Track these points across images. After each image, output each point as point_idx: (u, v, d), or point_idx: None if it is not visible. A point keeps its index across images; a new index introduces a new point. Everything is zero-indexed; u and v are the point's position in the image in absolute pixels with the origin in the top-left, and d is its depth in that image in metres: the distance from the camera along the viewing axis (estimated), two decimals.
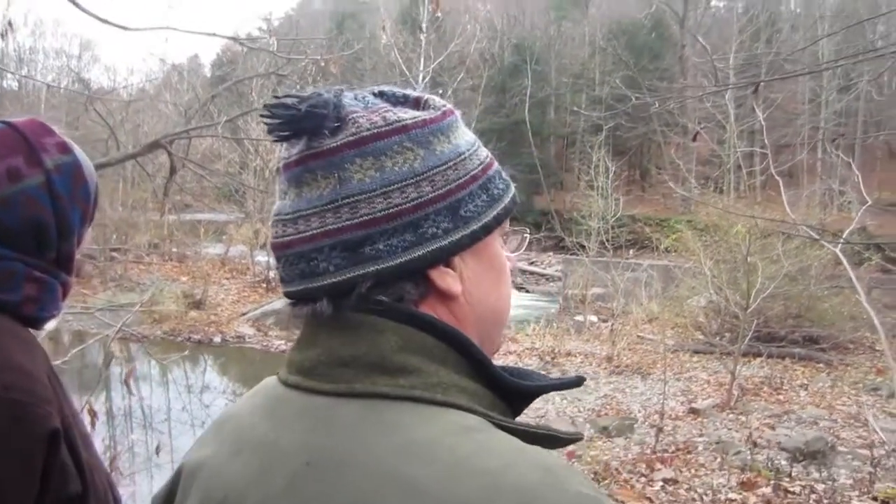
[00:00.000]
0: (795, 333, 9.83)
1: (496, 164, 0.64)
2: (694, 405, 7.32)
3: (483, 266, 0.61)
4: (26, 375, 0.86)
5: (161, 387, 9.51)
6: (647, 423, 6.79)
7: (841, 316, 9.88)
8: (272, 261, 14.23)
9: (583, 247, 15.20)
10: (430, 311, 0.58)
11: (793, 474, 5.00)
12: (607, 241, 15.17)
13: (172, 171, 4.88)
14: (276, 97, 0.58)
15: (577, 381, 0.65)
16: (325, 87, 0.59)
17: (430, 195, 0.56)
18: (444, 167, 0.58)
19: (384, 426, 0.51)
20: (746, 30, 28.25)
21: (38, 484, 0.85)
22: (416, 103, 0.61)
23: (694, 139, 17.37)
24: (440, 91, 22.18)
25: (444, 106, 0.62)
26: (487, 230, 0.60)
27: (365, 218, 0.55)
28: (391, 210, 0.55)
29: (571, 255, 16.50)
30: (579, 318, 12.66)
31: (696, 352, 9.97)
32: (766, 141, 7.73)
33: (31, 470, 0.84)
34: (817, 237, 5.44)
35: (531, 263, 22.77)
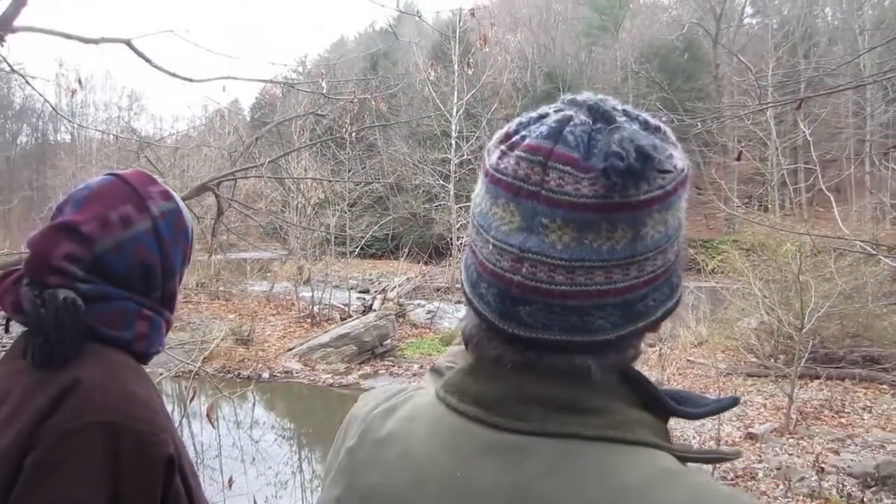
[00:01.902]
0: (854, 353, 9.43)
1: None
2: (751, 430, 7.07)
3: None
4: (145, 406, 0.93)
5: (214, 425, 9.67)
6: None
7: None
8: (316, 296, 14.36)
9: None
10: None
11: (865, 500, 4.77)
12: None
13: (220, 212, 5.05)
14: (559, 129, 0.52)
15: (734, 402, 0.63)
16: (587, 114, 0.54)
17: (681, 244, 0.56)
18: (684, 216, 0.56)
19: (589, 469, 0.50)
20: (782, 45, 27.87)
21: None
22: (661, 132, 0.56)
23: (738, 158, 17.08)
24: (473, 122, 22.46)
25: (674, 137, 0.57)
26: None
27: (649, 276, 0.53)
28: (665, 266, 0.54)
29: None
30: None
31: (750, 375, 9.65)
32: (813, 156, 7.54)
33: (153, 495, 0.89)
34: (874, 252, 5.27)
35: None
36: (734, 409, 8.01)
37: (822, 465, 5.51)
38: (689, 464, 0.53)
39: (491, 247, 0.54)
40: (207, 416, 4.27)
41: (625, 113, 0.56)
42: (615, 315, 0.52)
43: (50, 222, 1.01)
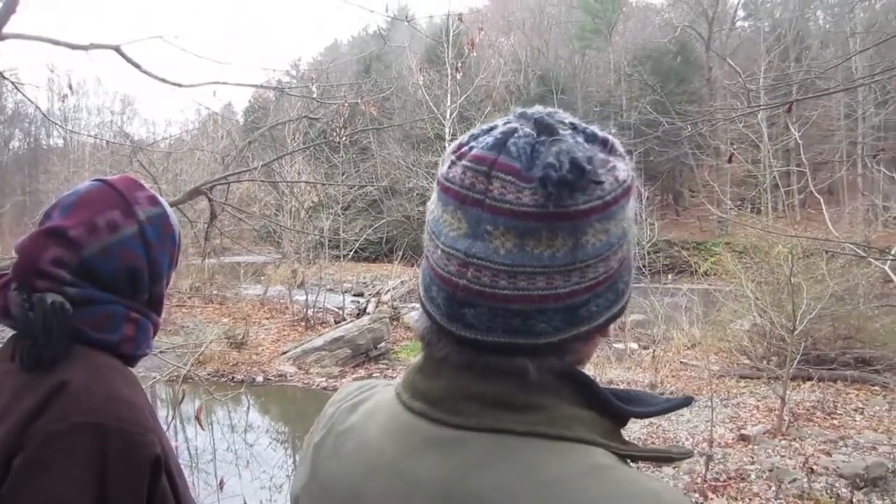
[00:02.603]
0: (846, 355, 9.47)
1: None
2: (743, 432, 7.09)
3: None
4: (132, 407, 0.95)
5: (205, 427, 9.64)
6: (696, 451, 6.60)
7: (894, 336, 9.51)
8: (310, 300, 14.34)
9: None
10: (582, 354, 0.59)
11: (855, 500, 4.80)
12: (644, 266, 15.00)
13: (213, 216, 5.04)
14: (503, 142, 0.55)
15: (686, 402, 0.64)
16: (531, 126, 0.56)
17: (627, 252, 0.58)
18: (631, 223, 0.58)
19: (518, 463, 0.52)
20: (774, 48, 28.03)
21: None
22: (606, 145, 0.58)
23: (729, 161, 17.16)
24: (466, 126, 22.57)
25: (624, 151, 0.60)
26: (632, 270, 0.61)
27: (591, 282, 0.54)
28: (608, 273, 0.56)
29: None
30: (619, 345, 12.46)
31: (743, 377, 9.69)
32: (803, 159, 7.59)
33: (140, 495, 0.91)
34: (864, 254, 5.31)
35: None
36: (726, 411, 8.05)
37: (812, 467, 5.54)
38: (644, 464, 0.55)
39: (440, 252, 0.57)
40: (197, 417, 4.27)
41: (571, 126, 0.57)
42: (557, 319, 0.54)
43: (38, 227, 1.03)
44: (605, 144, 0.57)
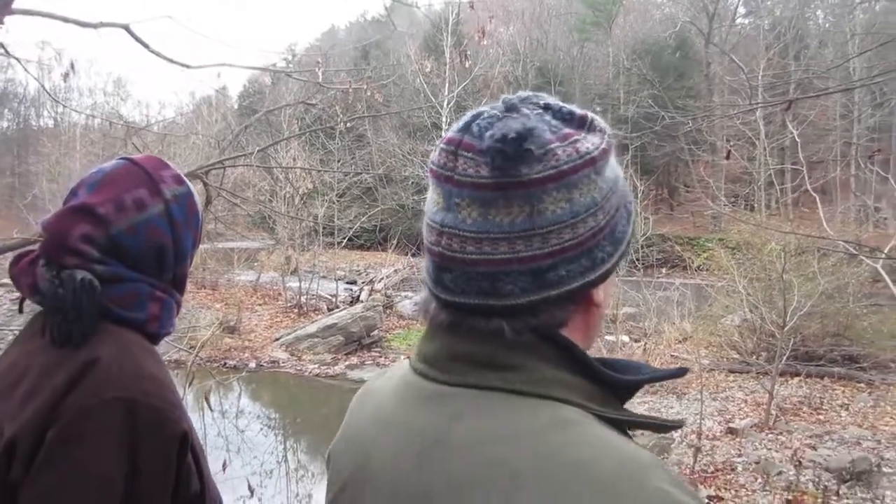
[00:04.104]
0: (834, 352, 9.59)
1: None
2: (732, 425, 7.19)
3: (612, 276, 0.65)
4: (160, 384, 0.96)
5: (195, 412, 9.64)
6: (684, 444, 6.68)
7: (881, 334, 9.63)
8: (303, 286, 14.35)
9: None
10: (573, 321, 0.62)
11: (840, 492, 4.88)
12: (637, 260, 15.06)
13: (208, 200, 5.03)
14: (468, 124, 0.61)
15: (679, 372, 0.67)
16: (501, 108, 0.62)
17: (602, 222, 0.61)
18: (610, 193, 0.62)
19: (494, 415, 0.57)
20: (774, 46, 28.04)
21: (175, 481, 0.94)
22: (584, 124, 0.62)
23: (727, 157, 17.22)
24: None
25: (605, 126, 0.64)
26: (629, 246, 0.65)
27: (555, 248, 0.58)
28: (575, 240, 0.59)
29: None
30: (611, 338, 12.53)
31: (732, 371, 9.80)
32: (801, 157, 7.64)
33: (169, 468, 0.93)
34: (856, 252, 5.36)
35: None
36: (715, 404, 8.14)
37: (800, 460, 5.62)
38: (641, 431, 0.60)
39: (426, 226, 0.64)
40: (206, 399, 4.30)
41: (544, 106, 0.62)
42: (523, 281, 0.58)
43: (64, 205, 1.03)
44: (580, 122, 0.62)
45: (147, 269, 1.05)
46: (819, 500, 4.67)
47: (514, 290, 0.59)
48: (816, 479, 5.20)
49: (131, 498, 0.89)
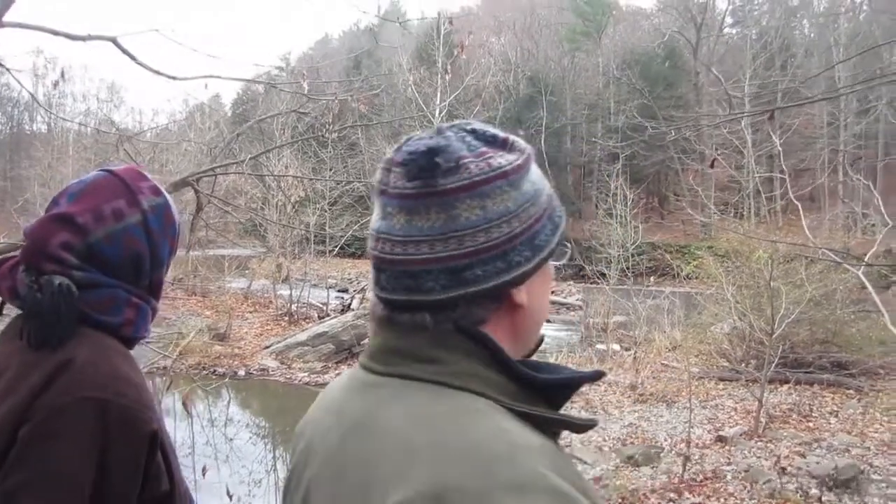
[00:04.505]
0: (823, 359, 9.63)
1: (553, 193, 0.75)
2: (721, 433, 7.20)
3: (540, 279, 0.72)
4: (132, 385, 1.00)
5: (184, 420, 9.58)
6: (673, 452, 6.70)
7: (870, 341, 9.66)
8: (294, 294, 14.28)
9: (603, 275, 15.16)
10: (497, 319, 0.69)
11: (823, 500, 4.91)
12: (627, 268, 15.11)
13: (199, 208, 5.02)
14: (409, 150, 0.68)
15: (596, 375, 0.73)
16: (432, 132, 0.71)
17: (518, 229, 0.68)
18: (528, 204, 0.69)
19: (412, 401, 0.64)
20: (760, 56, 28.35)
21: (142, 479, 0.98)
22: (506, 145, 0.71)
23: (711, 166, 17.37)
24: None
25: (527, 147, 0.72)
26: (552, 254, 0.72)
27: (469, 249, 0.65)
28: (489, 243, 0.66)
29: (592, 283, 16.43)
30: (601, 346, 12.57)
31: (722, 379, 9.83)
32: (783, 166, 7.71)
33: (138, 466, 0.97)
34: (840, 261, 5.42)
35: (551, 293, 22.65)
36: (705, 412, 8.17)
37: (785, 467, 5.65)
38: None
39: (369, 236, 0.72)
40: (183, 403, 4.28)
41: (471, 131, 0.70)
42: (442, 279, 0.66)
43: (46, 213, 1.08)
44: (501, 143, 0.71)
45: (124, 276, 1.09)
46: None
47: (435, 286, 0.66)
48: (805, 487, 5.22)
49: (101, 493, 0.93)
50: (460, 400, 0.62)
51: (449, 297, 0.66)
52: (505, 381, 0.66)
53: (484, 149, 0.68)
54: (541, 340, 0.79)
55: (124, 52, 2.68)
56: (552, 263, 0.75)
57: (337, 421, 0.70)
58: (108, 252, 1.06)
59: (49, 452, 0.91)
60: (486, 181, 0.66)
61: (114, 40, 2.65)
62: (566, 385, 0.69)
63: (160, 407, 7.82)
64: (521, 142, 0.72)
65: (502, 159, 0.68)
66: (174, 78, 3.09)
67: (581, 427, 0.69)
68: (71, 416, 0.92)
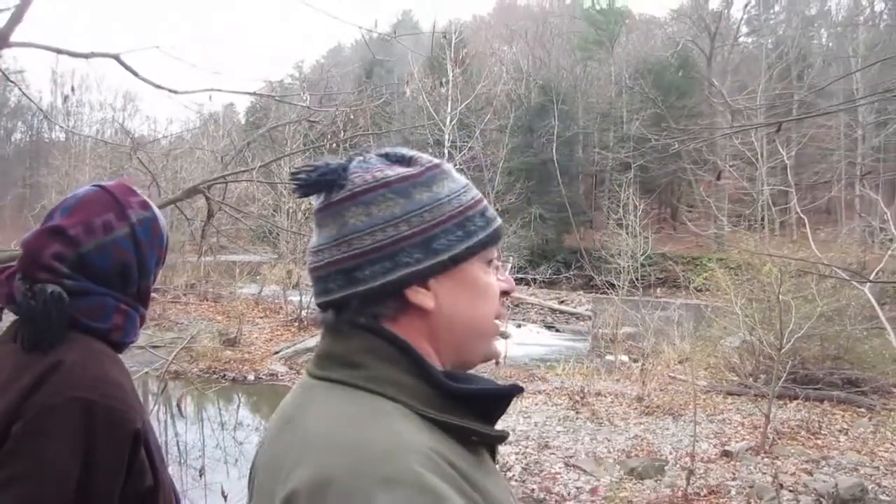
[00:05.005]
0: (834, 376, 9.49)
1: (481, 206, 0.79)
2: (727, 448, 7.14)
3: (459, 288, 0.75)
4: (119, 387, 1.08)
5: (195, 423, 9.66)
6: (677, 466, 6.66)
7: (883, 358, 9.47)
8: (304, 300, 14.36)
9: (612, 285, 15.11)
10: (408, 321, 0.74)
11: None
12: (637, 279, 15.06)
13: (210, 214, 5.09)
14: (296, 169, 0.77)
15: (512, 389, 0.75)
16: (338, 157, 0.79)
17: (406, 233, 0.73)
18: (421, 210, 0.74)
19: (329, 402, 0.69)
20: (776, 65, 28.10)
21: (126, 475, 1.05)
22: (407, 161, 0.78)
23: (718, 178, 17.32)
24: (467, 132, 22.58)
25: (429, 162, 0.78)
26: (456, 260, 0.74)
27: (357, 251, 0.73)
28: (375, 245, 0.73)
29: (601, 293, 16.40)
30: (609, 357, 12.52)
31: (730, 393, 9.74)
32: (790, 179, 7.68)
33: (122, 463, 1.04)
34: (847, 278, 5.38)
35: (561, 302, 22.60)
36: (711, 426, 8.11)
37: (792, 485, 5.60)
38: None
39: None
40: (178, 405, 4.34)
41: (384, 154, 0.79)
42: (339, 280, 0.73)
43: (41, 226, 1.17)
44: (400, 160, 0.78)
45: (113, 285, 1.17)
46: None
47: (334, 287, 0.74)
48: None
49: (86, 488, 1.00)
50: (371, 403, 0.67)
51: (343, 296, 0.73)
52: (423, 387, 0.70)
53: (378, 165, 0.76)
54: (495, 355, 0.81)
55: (127, 68, 2.76)
56: (485, 273, 0.77)
57: (278, 417, 0.76)
58: (98, 262, 1.14)
59: (39, 448, 0.98)
60: (368, 190, 0.74)
61: (116, 57, 2.72)
62: (480, 396, 0.72)
63: (168, 412, 7.92)
64: (426, 158, 0.78)
65: (390, 171, 0.75)
66: (175, 92, 3.17)
67: (493, 438, 0.72)
68: (60, 415, 0.99)
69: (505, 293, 0.81)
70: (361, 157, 0.78)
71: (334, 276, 0.74)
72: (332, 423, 0.66)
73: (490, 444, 0.77)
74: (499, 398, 0.74)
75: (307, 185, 0.76)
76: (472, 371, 0.82)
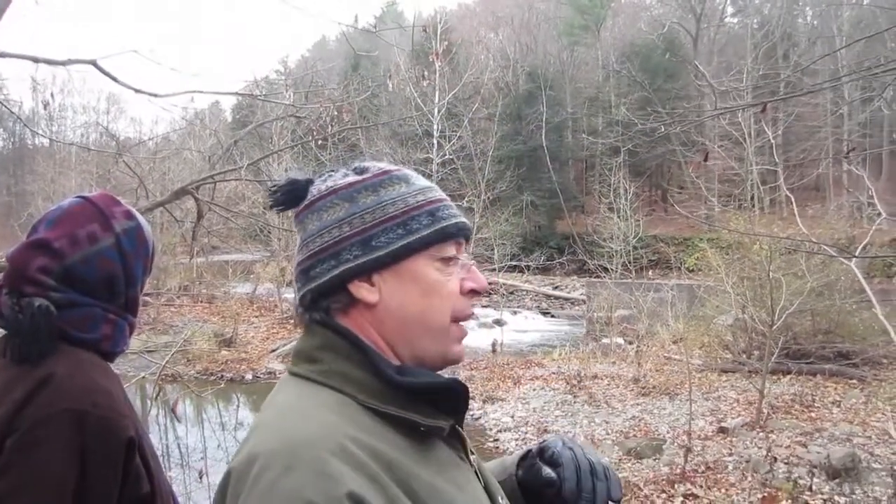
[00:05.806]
0: (826, 349, 9.62)
1: (431, 206, 0.82)
2: (723, 424, 7.24)
3: (404, 284, 0.79)
4: (110, 396, 1.09)
5: (196, 425, 9.68)
6: (675, 444, 6.74)
7: (872, 330, 9.60)
8: None
9: (606, 269, 15.19)
10: (358, 315, 0.80)
11: (813, 488, 4.95)
12: (630, 262, 15.14)
13: (200, 215, 5.09)
14: (273, 188, 0.85)
15: (449, 382, 0.76)
16: (304, 171, 0.87)
17: (348, 233, 0.79)
18: (362, 212, 0.80)
19: (286, 395, 0.75)
20: (762, 45, 28.12)
21: (121, 483, 1.06)
22: (358, 171, 0.85)
23: (706, 159, 17.35)
24: (455, 121, 22.52)
25: (378, 170, 0.84)
26: (396, 256, 0.78)
27: (311, 252, 0.81)
28: (323, 245, 0.80)
29: (595, 277, 16.46)
30: (605, 340, 12.61)
31: (724, 371, 9.85)
32: (776, 158, 7.72)
33: (117, 471, 1.05)
34: (834, 254, 5.44)
35: (555, 288, 22.68)
36: (707, 404, 8.20)
37: (787, 458, 5.68)
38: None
39: None
40: (173, 410, 4.35)
41: (354, 167, 0.85)
42: (301, 279, 0.82)
43: (26, 240, 1.17)
44: (355, 170, 0.85)
45: (99, 295, 1.17)
46: (792, 494, 4.73)
47: (299, 286, 0.82)
48: (800, 476, 5.25)
49: (82, 498, 1.01)
50: (317, 395, 0.73)
51: (302, 294, 0.81)
52: (371, 380, 0.75)
53: (336, 176, 0.84)
54: (455, 358, 0.82)
55: (105, 73, 2.75)
56: (437, 270, 0.79)
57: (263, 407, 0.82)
58: (84, 273, 1.15)
59: (34, 460, 0.99)
60: (320, 198, 0.82)
61: (94, 63, 2.72)
62: (422, 388, 0.74)
63: (157, 412, 7.89)
64: (379, 166, 0.85)
65: (340, 180, 0.83)
66: (156, 95, 3.17)
67: (431, 427, 0.74)
68: (53, 427, 1.01)
69: (473, 292, 0.81)
70: (330, 172, 0.85)
71: (299, 277, 0.82)
72: (275, 414, 0.72)
73: (454, 436, 0.79)
74: (442, 390, 0.75)
75: (279, 201, 0.84)
76: (445, 372, 0.83)
